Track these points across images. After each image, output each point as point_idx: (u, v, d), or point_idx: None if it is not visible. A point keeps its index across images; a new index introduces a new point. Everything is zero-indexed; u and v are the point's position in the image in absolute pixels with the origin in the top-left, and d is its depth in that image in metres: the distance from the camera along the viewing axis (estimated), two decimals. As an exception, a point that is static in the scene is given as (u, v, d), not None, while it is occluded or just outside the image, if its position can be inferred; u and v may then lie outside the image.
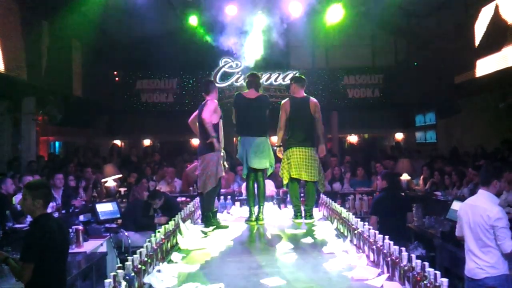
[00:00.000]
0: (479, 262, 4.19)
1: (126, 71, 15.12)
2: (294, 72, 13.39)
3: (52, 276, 3.83)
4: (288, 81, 7.91)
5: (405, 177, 8.75)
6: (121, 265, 3.03)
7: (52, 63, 10.16)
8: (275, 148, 6.13)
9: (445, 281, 2.52)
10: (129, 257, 3.22)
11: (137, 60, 14.77)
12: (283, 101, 6.15)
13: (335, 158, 10.30)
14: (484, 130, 11.36)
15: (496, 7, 8.74)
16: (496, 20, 8.75)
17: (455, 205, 6.00)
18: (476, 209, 4.26)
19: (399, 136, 16.97)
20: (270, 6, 11.20)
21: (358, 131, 17.49)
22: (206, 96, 5.76)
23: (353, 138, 17.98)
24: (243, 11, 10.86)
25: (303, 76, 6.46)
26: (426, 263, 2.82)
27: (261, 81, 6.28)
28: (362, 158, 12.77)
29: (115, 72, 15.09)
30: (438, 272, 2.64)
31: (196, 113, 5.81)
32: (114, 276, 2.82)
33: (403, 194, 7.78)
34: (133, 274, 3.10)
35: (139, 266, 3.29)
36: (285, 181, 6.08)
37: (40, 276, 3.74)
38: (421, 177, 9.12)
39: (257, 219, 5.85)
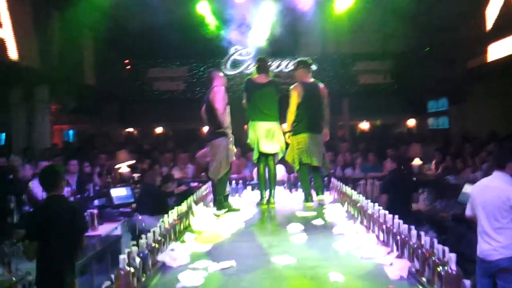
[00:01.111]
0: (493, 243, 4.19)
1: (137, 60, 15.21)
2: (305, 59, 13.32)
3: (58, 256, 3.94)
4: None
5: (416, 161, 8.71)
6: (135, 242, 3.12)
7: (64, 51, 10.28)
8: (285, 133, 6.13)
9: (453, 256, 2.55)
10: (143, 235, 3.30)
11: (148, 48, 14.83)
12: (294, 85, 6.07)
13: (346, 143, 10.31)
14: (497, 116, 11.25)
15: (508, -11, 8.63)
16: (508, 3, 8.63)
17: (467, 188, 6.00)
18: (492, 190, 4.25)
19: (411, 122, 16.88)
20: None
21: (369, 118, 17.41)
22: (211, 84, 5.75)
23: (364, 125, 17.91)
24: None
25: (309, 60, 6.42)
26: (435, 239, 2.85)
27: (271, 68, 6.29)
28: (375, 145, 12.72)
29: (127, 61, 15.18)
30: (446, 248, 2.67)
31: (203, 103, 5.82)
32: (129, 253, 2.89)
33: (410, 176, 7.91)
34: (147, 252, 3.19)
35: (153, 244, 3.37)
36: (296, 167, 6.09)
37: (45, 255, 3.88)
38: (433, 161, 9.09)
39: (268, 202, 5.91)
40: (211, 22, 11.93)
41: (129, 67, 15.29)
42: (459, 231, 5.83)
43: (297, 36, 14.92)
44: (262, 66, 6.05)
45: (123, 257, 2.78)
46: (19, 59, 8.80)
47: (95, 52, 12.40)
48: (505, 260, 4.15)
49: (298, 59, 6.37)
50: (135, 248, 2.98)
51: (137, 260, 2.94)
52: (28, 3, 9.12)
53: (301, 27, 14.67)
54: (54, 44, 10.09)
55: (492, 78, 11.01)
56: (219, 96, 5.54)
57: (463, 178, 7.66)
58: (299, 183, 6.47)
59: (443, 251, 2.67)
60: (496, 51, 9.10)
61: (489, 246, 4.21)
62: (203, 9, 11.21)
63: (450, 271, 2.51)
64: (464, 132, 11.93)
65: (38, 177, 4.46)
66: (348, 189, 5.34)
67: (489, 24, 9.46)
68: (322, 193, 6.04)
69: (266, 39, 12.17)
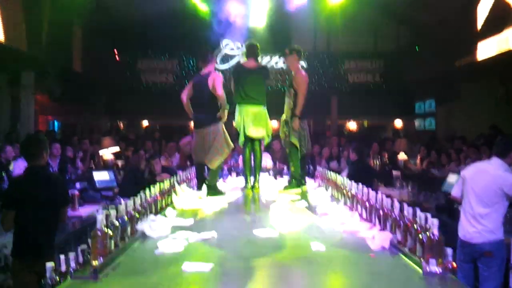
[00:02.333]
0: (478, 227, 4.21)
1: (126, 51, 15.05)
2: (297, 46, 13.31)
3: (36, 227, 3.84)
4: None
5: (402, 156, 8.74)
6: (113, 206, 3.05)
7: (53, 36, 10.11)
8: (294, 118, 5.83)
9: (435, 221, 2.53)
10: (122, 201, 3.24)
11: (138, 39, 14.66)
12: (301, 72, 5.91)
13: (336, 137, 10.31)
14: (483, 117, 11.28)
15: (499, -12, 8.71)
16: (499, 2, 8.71)
17: (451, 177, 6.02)
18: (487, 175, 4.25)
19: (398, 123, 16.93)
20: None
21: (357, 117, 17.42)
22: (204, 65, 5.65)
23: (352, 125, 17.93)
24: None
25: (301, 48, 6.30)
26: (418, 208, 2.83)
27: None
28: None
29: (116, 51, 15.01)
30: (428, 214, 2.65)
31: (190, 86, 5.63)
32: (107, 216, 2.82)
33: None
34: (126, 218, 3.11)
35: (133, 213, 3.30)
36: (303, 150, 5.92)
37: (22, 226, 3.80)
38: (419, 156, 9.12)
39: (253, 187, 5.86)
40: (203, 14, 11.85)
41: (118, 58, 15.12)
42: (442, 221, 5.83)
43: (288, 32, 14.89)
44: (251, 51, 6.01)
45: (100, 217, 2.70)
46: (6, 41, 8.66)
47: (84, 40, 12.25)
48: (488, 244, 4.17)
49: (291, 45, 6.26)
50: (113, 212, 2.91)
51: (116, 223, 2.87)
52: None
53: (293, 23, 14.68)
54: (43, 29, 9.93)
55: (480, 78, 11.07)
56: (219, 81, 5.43)
57: (448, 171, 7.69)
58: (286, 171, 6.36)
59: (426, 218, 2.65)
60: (485, 49, 9.16)
61: (474, 229, 4.23)
62: (196, 1, 11.09)
63: (432, 236, 2.48)
64: (450, 134, 11.99)
65: (20, 146, 4.35)
66: (332, 174, 5.33)
67: (480, 22, 9.51)
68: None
69: (257, 34, 12.13)
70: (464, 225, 4.34)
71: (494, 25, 8.86)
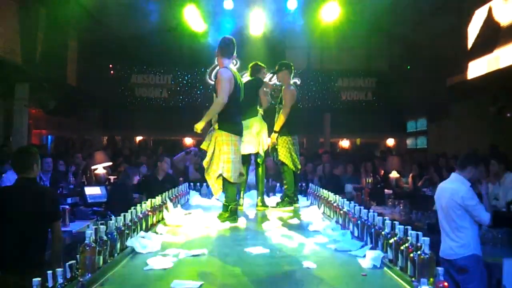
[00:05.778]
0: (451, 243, 4.29)
1: (121, 65, 15.06)
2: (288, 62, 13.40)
3: (23, 240, 3.77)
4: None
5: (394, 174, 8.74)
6: (103, 222, 3.02)
7: (48, 49, 10.09)
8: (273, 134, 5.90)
9: (426, 240, 2.53)
10: (113, 217, 3.21)
11: (132, 54, 14.69)
12: (291, 88, 5.95)
13: (327, 155, 10.33)
14: (475, 135, 11.38)
15: (490, 9, 8.84)
16: (489, 21, 8.85)
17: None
18: (446, 191, 4.38)
19: (390, 142, 17.01)
20: (266, 3, 11.28)
21: (350, 135, 17.47)
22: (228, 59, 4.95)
23: (345, 143, 17.97)
24: (240, 6, 10.92)
25: (291, 64, 6.32)
26: (409, 227, 2.83)
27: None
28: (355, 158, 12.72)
29: (110, 65, 15.02)
30: (420, 233, 2.65)
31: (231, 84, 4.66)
32: (96, 230, 2.80)
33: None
34: (115, 234, 3.09)
35: (123, 228, 3.27)
36: (299, 167, 5.95)
37: (7, 238, 3.75)
38: (410, 175, 9.13)
39: (257, 205, 5.78)
40: (198, 29, 11.91)
41: (112, 72, 15.12)
42: (433, 240, 5.82)
43: (283, 49, 15.02)
44: (255, 70, 6.02)
45: (90, 232, 2.68)
46: (0, 53, 8.64)
47: (79, 54, 12.26)
48: (461, 260, 4.22)
49: (281, 61, 6.30)
50: (103, 227, 2.88)
51: (105, 238, 2.85)
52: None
53: (288, 41, 14.81)
54: (39, 42, 9.93)
55: (472, 96, 11.16)
56: None
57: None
58: (283, 187, 6.24)
59: (417, 237, 2.65)
60: (476, 68, 9.26)
61: (448, 246, 4.32)
62: (190, 16, 11.13)
63: (423, 255, 2.48)
64: (442, 152, 12.03)
65: (11, 158, 4.30)
66: (324, 192, 5.31)
67: (471, 42, 9.64)
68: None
69: (252, 52, 12.20)
70: (441, 242, 4.43)
71: (485, 44, 8.98)
